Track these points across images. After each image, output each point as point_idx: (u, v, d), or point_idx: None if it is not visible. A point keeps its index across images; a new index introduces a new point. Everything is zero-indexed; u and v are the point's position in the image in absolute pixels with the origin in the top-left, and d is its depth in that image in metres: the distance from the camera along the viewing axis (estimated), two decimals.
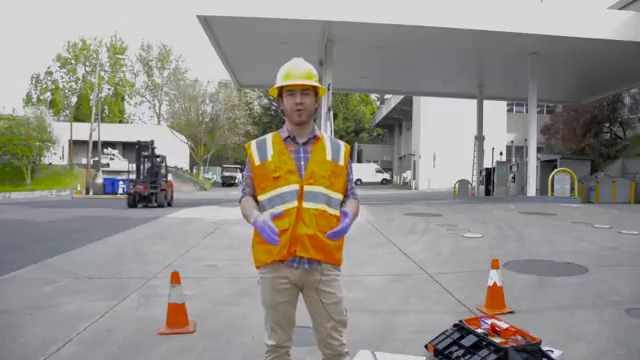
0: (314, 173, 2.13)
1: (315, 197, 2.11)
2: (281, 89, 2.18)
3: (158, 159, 19.32)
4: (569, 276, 5.32)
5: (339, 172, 2.21)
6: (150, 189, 18.03)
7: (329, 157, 2.19)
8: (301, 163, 2.15)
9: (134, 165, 19.62)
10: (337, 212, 2.17)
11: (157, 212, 14.33)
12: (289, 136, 2.20)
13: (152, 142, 19.11)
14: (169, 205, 18.96)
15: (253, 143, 2.25)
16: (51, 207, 17.41)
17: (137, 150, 19.06)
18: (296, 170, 2.13)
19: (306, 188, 2.11)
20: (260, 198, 2.19)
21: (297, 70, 2.17)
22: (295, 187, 2.11)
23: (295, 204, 2.10)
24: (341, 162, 2.22)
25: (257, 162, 2.18)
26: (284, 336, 2.21)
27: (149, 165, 18.88)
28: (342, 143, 2.30)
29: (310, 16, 13.47)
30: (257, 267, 2.22)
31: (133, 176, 19.69)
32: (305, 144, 2.19)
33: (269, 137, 2.24)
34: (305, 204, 2.10)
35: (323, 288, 2.17)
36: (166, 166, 20.06)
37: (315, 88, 2.18)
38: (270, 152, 2.17)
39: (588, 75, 19.55)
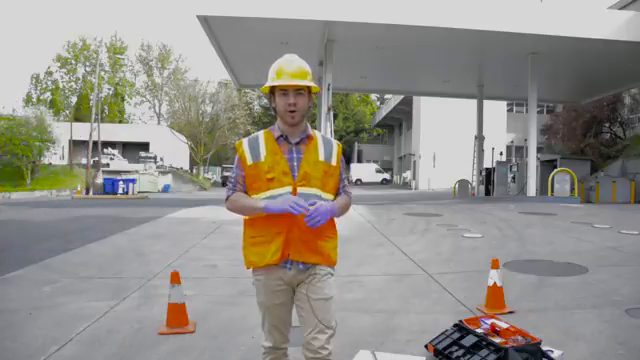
0: (307, 174, 2.09)
1: (308, 199, 2.06)
2: (273, 87, 2.11)
3: None
4: (569, 276, 5.31)
5: (331, 172, 2.17)
6: None
7: (322, 157, 2.15)
8: (294, 164, 2.10)
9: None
10: None
11: (157, 212, 14.25)
12: (281, 135, 2.14)
13: None
14: None
15: (245, 141, 2.17)
16: (51, 207, 17.39)
17: None
18: (289, 171, 2.09)
19: (299, 190, 2.08)
20: (253, 197, 2.14)
21: (290, 67, 2.09)
22: (288, 189, 2.07)
23: None
24: (334, 162, 2.18)
25: (250, 162, 2.12)
26: (281, 338, 2.21)
27: None
28: (334, 142, 2.24)
29: (310, 16, 13.50)
30: (248, 268, 2.21)
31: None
32: (298, 144, 2.14)
33: (261, 135, 2.18)
34: None
35: (312, 282, 2.13)
36: None
37: (309, 86, 2.11)
38: (263, 152, 2.11)
39: (588, 75, 19.56)
